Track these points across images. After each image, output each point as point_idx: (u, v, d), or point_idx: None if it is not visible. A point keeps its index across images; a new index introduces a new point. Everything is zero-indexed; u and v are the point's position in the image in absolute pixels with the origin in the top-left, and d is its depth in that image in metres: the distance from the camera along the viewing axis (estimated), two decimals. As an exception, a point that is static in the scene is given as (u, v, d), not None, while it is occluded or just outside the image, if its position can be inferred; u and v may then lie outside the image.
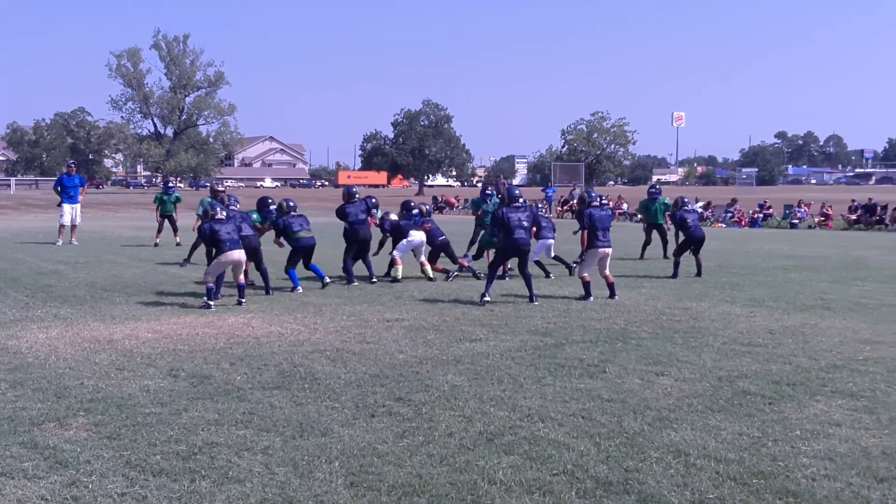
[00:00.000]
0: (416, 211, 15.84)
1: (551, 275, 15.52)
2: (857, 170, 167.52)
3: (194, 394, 7.16)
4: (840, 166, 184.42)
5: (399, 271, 15.07)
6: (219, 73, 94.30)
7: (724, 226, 38.71)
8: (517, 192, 13.53)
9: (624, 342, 9.43)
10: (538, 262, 15.65)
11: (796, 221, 37.75)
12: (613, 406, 6.80)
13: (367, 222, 15.14)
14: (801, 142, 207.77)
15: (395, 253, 15.34)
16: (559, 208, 48.85)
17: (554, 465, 5.40)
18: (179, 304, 12.14)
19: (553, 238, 15.90)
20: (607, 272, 13.05)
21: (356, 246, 14.91)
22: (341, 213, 15.21)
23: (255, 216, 15.00)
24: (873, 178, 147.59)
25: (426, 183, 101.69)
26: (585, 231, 13.14)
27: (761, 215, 39.89)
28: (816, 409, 6.70)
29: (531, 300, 12.30)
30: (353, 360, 8.50)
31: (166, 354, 8.72)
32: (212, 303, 11.83)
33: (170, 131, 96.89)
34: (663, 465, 5.39)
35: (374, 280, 14.76)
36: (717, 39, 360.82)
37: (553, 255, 16.22)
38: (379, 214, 16.08)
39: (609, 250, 13.09)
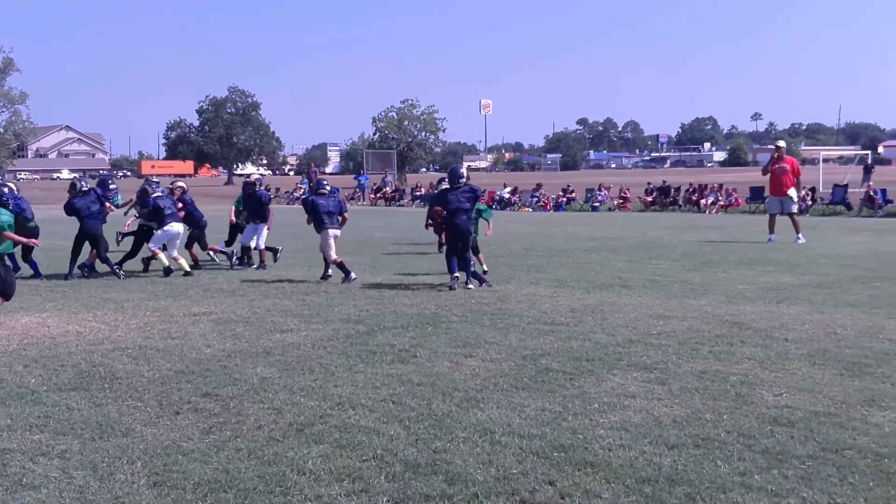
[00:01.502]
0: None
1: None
2: (654, 154, 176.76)
3: (-18, 400, 6.72)
4: (637, 151, 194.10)
5: (163, 259, 14.54)
6: (7, 59, 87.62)
7: (530, 210, 40.02)
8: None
9: (434, 326, 9.58)
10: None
11: (597, 204, 39.52)
12: (423, 389, 6.90)
13: (98, 214, 14.61)
14: (601, 128, 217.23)
15: (150, 245, 14.79)
16: (372, 195, 49.00)
17: (364, 452, 5.42)
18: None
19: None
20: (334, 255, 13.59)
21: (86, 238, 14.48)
22: (71, 209, 14.57)
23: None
24: (668, 161, 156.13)
25: (235, 172, 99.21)
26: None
27: (565, 199, 41.49)
28: (613, 383, 7.04)
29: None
30: (157, 356, 8.22)
31: (-50, 359, 8.14)
32: None
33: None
34: (470, 444, 5.53)
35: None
36: (521, 28, 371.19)
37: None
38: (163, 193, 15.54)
39: (337, 232, 13.83)
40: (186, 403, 6.59)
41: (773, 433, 5.69)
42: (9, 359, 8.18)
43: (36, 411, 6.41)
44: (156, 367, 7.80)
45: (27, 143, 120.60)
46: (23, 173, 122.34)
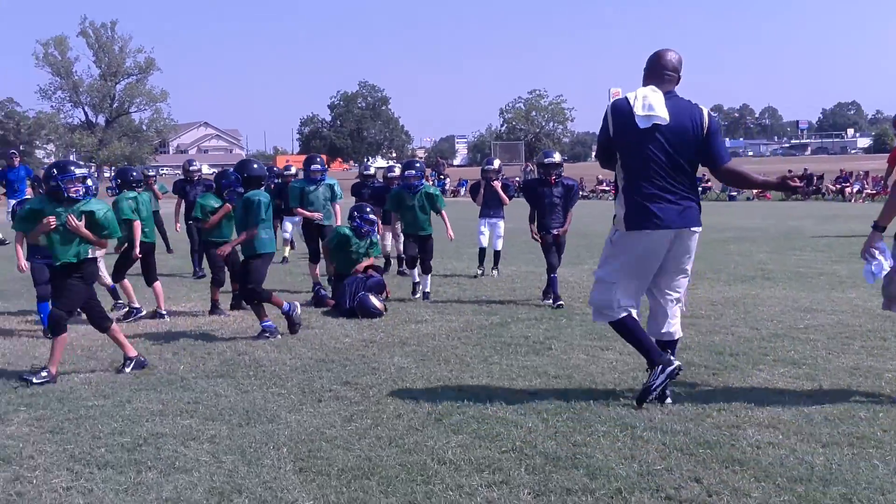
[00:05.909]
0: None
1: None
2: (793, 141, 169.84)
3: (137, 385, 7.04)
4: (776, 138, 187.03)
5: None
6: (149, 59, 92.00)
7: (663, 200, 39.04)
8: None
9: (568, 318, 9.48)
10: None
11: (735, 193, 38.35)
12: (560, 382, 6.84)
13: None
14: (736, 114, 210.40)
15: None
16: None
17: (502, 443, 5.40)
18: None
19: None
20: None
21: None
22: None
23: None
24: (809, 148, 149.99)
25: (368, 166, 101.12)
26: None
27: (701, 188, 40.30)
28: (759, 378, 6.80)
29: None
30: (298, 345, 8.43)
31: (107, 346, 8.54)
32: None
33: (102, 120, 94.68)
34: (611, 439, 5.43)
35: None
36: (652, 14, 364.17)
37: None
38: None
39: None
40: (328, 391, 6.72)
41: (935, 433, 5.38)
42: (158, 347, 8.54)
43: (186, 397, 6.66)
44: (297, 355, 8.00)
45: (168, 140, 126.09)
46: (165, 168, 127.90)
